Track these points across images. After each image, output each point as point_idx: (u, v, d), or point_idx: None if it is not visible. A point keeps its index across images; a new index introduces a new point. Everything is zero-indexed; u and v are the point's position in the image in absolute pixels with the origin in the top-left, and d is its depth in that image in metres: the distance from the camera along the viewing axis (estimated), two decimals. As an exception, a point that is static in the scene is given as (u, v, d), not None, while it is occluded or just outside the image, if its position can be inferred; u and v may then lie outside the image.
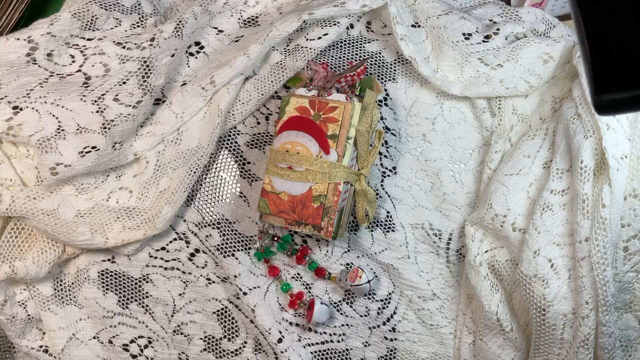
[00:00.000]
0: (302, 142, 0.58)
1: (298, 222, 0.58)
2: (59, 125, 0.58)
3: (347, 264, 0.64)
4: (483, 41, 0.62)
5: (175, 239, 0.65)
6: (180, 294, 0.65)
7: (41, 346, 0.63)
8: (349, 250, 0.64)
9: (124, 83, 0.60)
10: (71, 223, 0.59)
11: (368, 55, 0.66)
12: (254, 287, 0.63)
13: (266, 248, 0.64)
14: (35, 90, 0.59)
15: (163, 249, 0.65)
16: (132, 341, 0.65)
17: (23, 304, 0.62)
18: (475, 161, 0.64)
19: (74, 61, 0.61)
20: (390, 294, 0.64)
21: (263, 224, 0.64)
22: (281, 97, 0.65)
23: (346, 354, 0.65)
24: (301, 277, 0.65)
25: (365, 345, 0.64)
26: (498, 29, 0.63)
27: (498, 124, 0.63)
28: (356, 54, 0.66)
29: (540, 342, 0.58)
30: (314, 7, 0.62)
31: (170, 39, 0.61)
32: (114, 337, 0.65)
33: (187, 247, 0.65)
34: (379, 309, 0.64)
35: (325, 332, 0.64)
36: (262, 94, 0.64)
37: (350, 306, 0.64)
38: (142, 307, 0.65)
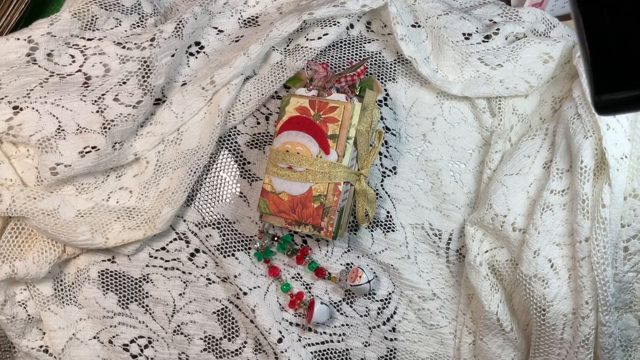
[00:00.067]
0: (302, 142, 0.58)
1: (298, 222, 0.58)
2: (59, 125, 0.58)
3: (347, 264, 0.64)
4: (483, 41, 0.62)
5: (175, 239, 0.65)
6: (180, 294, 0.65)
7: (41, 346, 0.63)
8: (349, 250, 0.64)
9: (124, 83, 0.60)
10: (71, 223, 0.59)
11: (368, 55, 0.66)
12: (254, 287, 0.63)
13: (266, 248, 0.64)
14: (35, 90, 0.59)
15: (163, 249, 0.65)
16: (132, 341, 0.65)
17: (23, 304, 0.62)
18: (475, 161, 0.64)
19: (74, 61, 0.61)
20: (390, 294, 0.64)
21: (263, 224, 0.64)
22: (281, 97, 0.65)
23: (346, 354, 0.65)
24: (301, 277, 0.65)
25: (365, 345, 0.64)
26: (498, 29, 0.62)
27: (498, 124, 0.63)
28: (356, 54, 0.66)
29: (540, 342, 0.58)
30: (314, 7, 0.62)
31: (170, 39, 0.61)
32: (114, 337, 0.65)
33: (187, 247, 0.65)
34: (379, 309, 0.64)
35: (325, 332, 0.64)
36: (262, 94, 0.64)
37: (350, 306, 0.64)
38: (142, 307, 0.65)
